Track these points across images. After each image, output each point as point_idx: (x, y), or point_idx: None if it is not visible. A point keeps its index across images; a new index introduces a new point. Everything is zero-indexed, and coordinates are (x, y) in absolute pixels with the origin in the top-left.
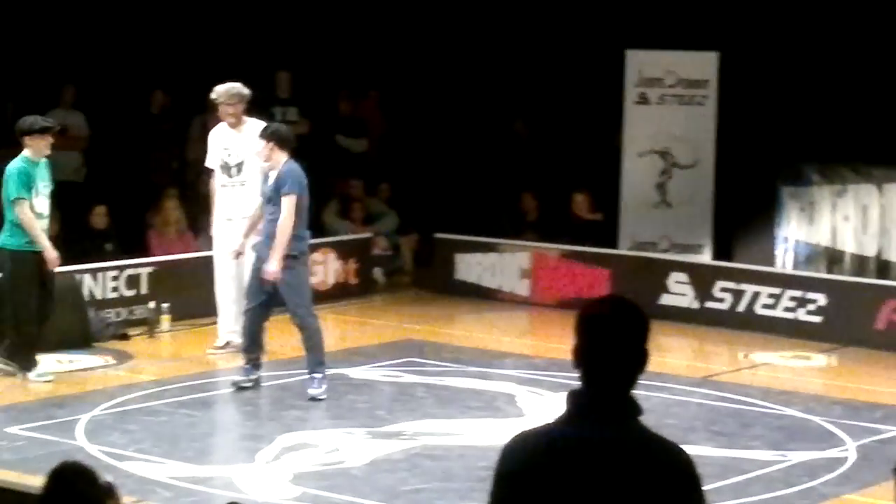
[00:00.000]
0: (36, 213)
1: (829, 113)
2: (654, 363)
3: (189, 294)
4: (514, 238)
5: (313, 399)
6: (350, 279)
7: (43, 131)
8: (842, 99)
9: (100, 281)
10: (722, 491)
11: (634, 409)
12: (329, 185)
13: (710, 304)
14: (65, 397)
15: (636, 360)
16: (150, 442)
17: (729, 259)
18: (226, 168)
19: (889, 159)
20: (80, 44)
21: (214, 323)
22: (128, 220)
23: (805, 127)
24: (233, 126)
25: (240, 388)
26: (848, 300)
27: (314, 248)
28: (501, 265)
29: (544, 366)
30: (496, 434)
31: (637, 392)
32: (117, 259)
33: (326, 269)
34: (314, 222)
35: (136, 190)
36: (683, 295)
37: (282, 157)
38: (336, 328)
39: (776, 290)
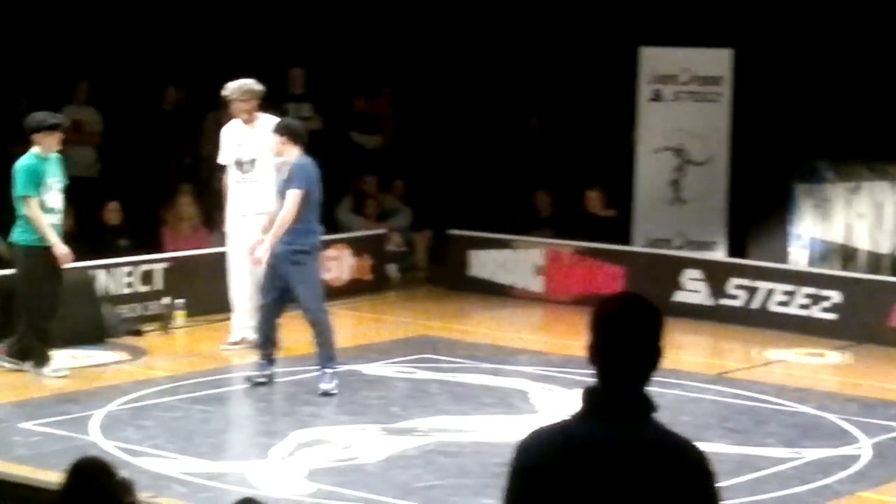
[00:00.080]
0: (48, 208)
1: (843, 110)
2: (669, 360)
3: (203, 290)
4: (527, 235)
5: (325, 394)
6: (364, 275)
7: (52, 128)
8: (856, 96)
9: (114, 276)
10: (736, 488)
11: (649, 406)
12: (343, 181)
13: (724, 301)
14: (79, 393)
15: (651, 357)
16: (164, 438)
17: (743, 256)
18: (239, 164)
19: None
20: (94, 40)
21: (228, 319)
22: (142, 215)
23: (819, 124)
24: (246, 122)
25: (254, 383)
26: (862, 297)
27: (328, 244)
28: (515, 262)
29: (558, 362)
30: (510, 430)
31: (651, 389)
32: (131, 255)
33: (340, 265)
34: (328, 218)
35: (150, 186)
36: (697, 292)
37: (294, 152)
38: (350, 324)
39: (790, 288)
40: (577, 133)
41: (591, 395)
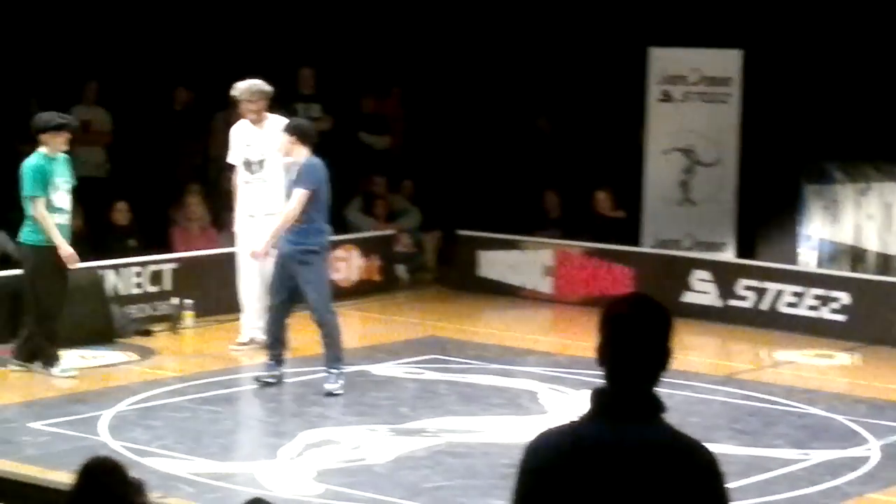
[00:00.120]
0: (56, 208)
1: (852, 111)
2: (677, 361)
3: (212, 290)
4: (536, 235)
5: (329, 394)
6: (373, 276)
7: (59, 128)
8: (865, 97)
9: (123, 277)
10: (745, 489)
11: (658, 407)
12: (352, 181)
13: (733, 303)
14: (88, 393)
15: (660, 358)
16: (173, 438)
17: (752, 257)
18: (247, 165)
19: None
20: (104, 40)
21: (237, 319)
22: (151, 216)
23: (828, 125)
24: (254, 123)
25: (263, 384)
26: (871, 299)
27: (337, 244)
28: (524, 262)
29: (567, 363)
30: (519, 431)
31: (660, 390)
32: (140, 255)
33: (349, 265)
34: (337, 219)
35: (159, 186)
36: (706, 293)
37: (303, 152)
38: (359, 325)
39: (799, 289)
40: (586, 134)
41: (600, 395)
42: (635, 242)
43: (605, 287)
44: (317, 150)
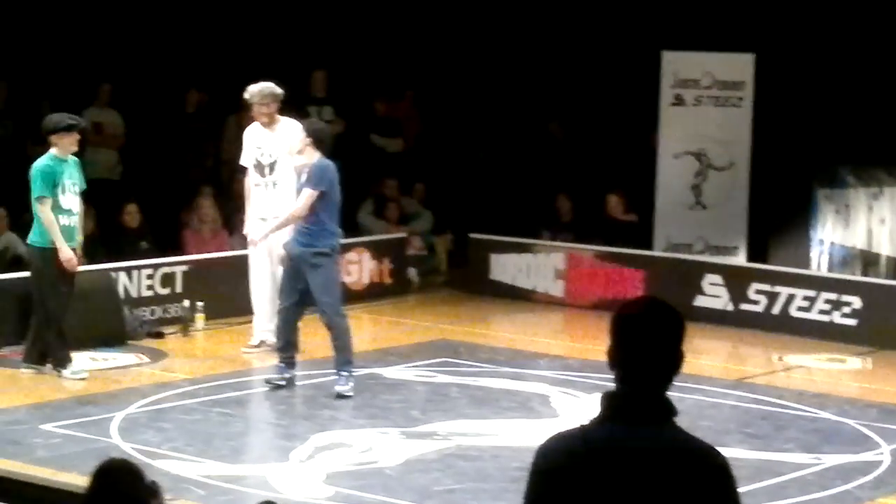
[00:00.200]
0: (63, 210)
1: (864, 115)
2: (689, 365)
3: (223, 293)
4: (548, 239)
5: (339, 396)
6: (385, 279)
7: (68, 129)
8: (877, 101)
9: (135, 279)
10: (756, 493)
11: (669, 410)
12: (364, 184)
13: (744, 307)
14: (99, 395)
15: (671, 362)
16: (184, 440)
17: (764, 261)
18: (259, 167)
19: None
20: (116, 42)
21: (249, 322)
22: (163, 218)
23: (841, 129)
24: (266, 125)
25: (274, 386)
26: (883, 303)
27: (349, 247)
28: (536, 266)
29: (579, 367)
30: (530, 435)
31: (671, 394)
32: (152, 257)
33: (361, 268)
34: (349, 222)
35: (171, 188)
36: (718, 297)
37: (315, 156)
38: (370, 328)
39: (811, 293)
40: (599, 137)
41: (611, 399)
42: (647, 246)
43: (616, 291)
44: (330, 155)
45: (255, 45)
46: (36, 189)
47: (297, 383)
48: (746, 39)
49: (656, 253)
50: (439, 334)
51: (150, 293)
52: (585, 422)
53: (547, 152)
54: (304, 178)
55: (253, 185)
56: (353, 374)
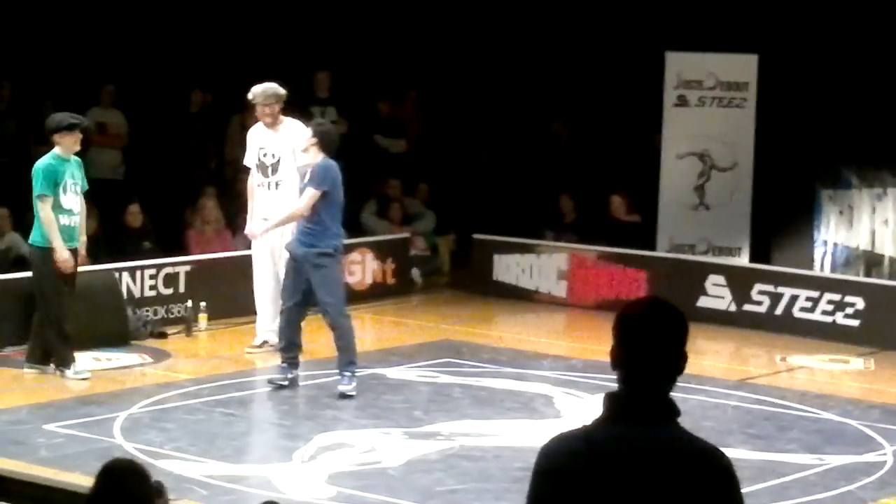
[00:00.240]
0: (64, 210)
1: (868, 116)
2: (691, 366)
3: (226, 293)
4: (551, 239)
5: (343, 396)
6: (388, 279)
7: (71, 128)
8: (881, 102)
9: (138, 279)
10: (758, 494)
11: (673, 411)
12: (367, 185)
13: (747, 307)
14: (102, 395)
15: (674, 362)
16: (186, 440)
17: (767, 262)
18: (262, 167)
19: None
20: (120, 43)
21: (252, 322)
22: (166, 218)
23: (844, 130)
24: (269, 126)
25: (277, 386)
26: (886, 304)
27: (352, 247)
28: (539, 266)
29: (581, 367)
30: (533, 435)
31: (674, 394)
32: (155, 257)
33: (364, 268)
34: (352, 222)
35: (174, 188)
36: (721, 297)
37: (319, 157)
38: (373, 328)
39: (814, 294)
40: (602, 138)
41: (614, 399)
42: (650, 247)
43: (619, 291)
44: (334, 157)
45: (258, 45)
46: (37, 187)
47: (300, 383)
48: (750, 40)
49: (659, 253)
50: (442, 335)
51: (153, 293)
52: (588, 422)
53: (550, 153)
54: (307, 177)
55: (256, 185)
56: (356, 374)
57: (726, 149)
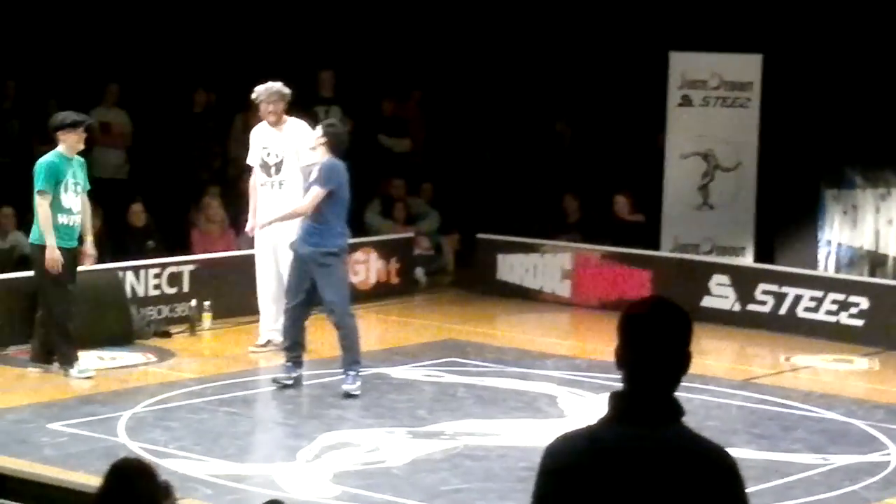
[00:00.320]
0: (64, 209)
1: (872, 116)
2: (696, 365)
3: (230, 292)
4: (555, 239)
5: (347, 395)
6: (392, 279)
7: (74, 125)
8: (885, 102)
9: (142, 278)
10: (763, 494)
11: (677, 410)
12: (371, 184)
13: (751, 307)
14: (106, 394)
15: (679, 362)
16: (190, 439)
17: (771, 262)
18: (265, 167)
19: None
20: (124, 42)
21: (256, 321)
22: (170, 217)
23: (849, 130)
24: (273, 125)
25: (281, 386)
26: (890, 304)
27: (356, 247)
28: (543, 266)
29: (586, 367)
30: (537, 435)
31: (678, 394)
32: (159, 256)
33: (368, 268)
34: (356, 221)
35: (178, 188)
36: (725, 297)
37: (326, 156)
38: (377, 327)
39: (818, 294)
40: (606, 137)
41: (618, 399)
42: (654, 246)
43: (623, 291)
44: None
45: (262, 44)
46: (38, 183)
47: (304, 383)
48: (754, 40)
49: (663, 253)
50: (446, 334)
51: (157, 292)
52: (593, 422)
53: (554, 152)
54: (313, 176)
55: (259, 184)
56: (361, 373)
57: (730, 149)
